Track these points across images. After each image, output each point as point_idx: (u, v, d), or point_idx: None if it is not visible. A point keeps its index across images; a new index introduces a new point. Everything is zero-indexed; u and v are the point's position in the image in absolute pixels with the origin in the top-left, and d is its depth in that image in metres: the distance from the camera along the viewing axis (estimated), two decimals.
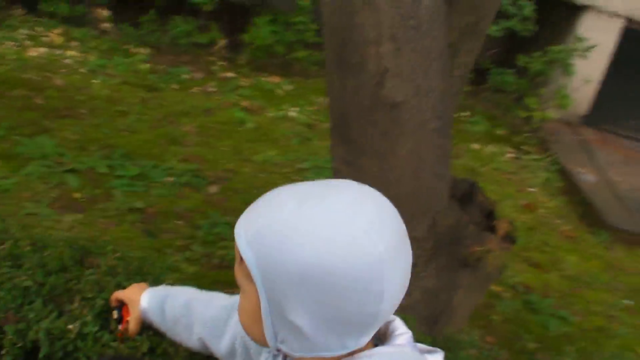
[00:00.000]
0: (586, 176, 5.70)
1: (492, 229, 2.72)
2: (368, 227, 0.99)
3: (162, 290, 1.65)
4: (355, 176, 2.44)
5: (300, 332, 1.01)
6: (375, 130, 2.42)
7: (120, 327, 1.64)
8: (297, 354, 1.06)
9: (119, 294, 1.68)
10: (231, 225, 3.48)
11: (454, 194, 2.74)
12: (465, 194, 2.79)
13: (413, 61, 2.33)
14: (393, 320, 1.14)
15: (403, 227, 1.08)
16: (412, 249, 2.63)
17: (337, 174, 2.57)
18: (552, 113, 6.25)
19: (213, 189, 4.23)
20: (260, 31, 6.21)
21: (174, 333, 1.60)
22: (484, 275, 2.76)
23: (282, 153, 4.88)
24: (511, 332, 3.60)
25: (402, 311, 1.11)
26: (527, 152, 6.03)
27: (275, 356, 1.24)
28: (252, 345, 1.37)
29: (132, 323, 1.63)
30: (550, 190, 5.56)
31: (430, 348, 1.15)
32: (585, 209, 5.17)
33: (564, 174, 5.66)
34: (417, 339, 1.15)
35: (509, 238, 2.73)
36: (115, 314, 1.65)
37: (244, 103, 5.64)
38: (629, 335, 3.89)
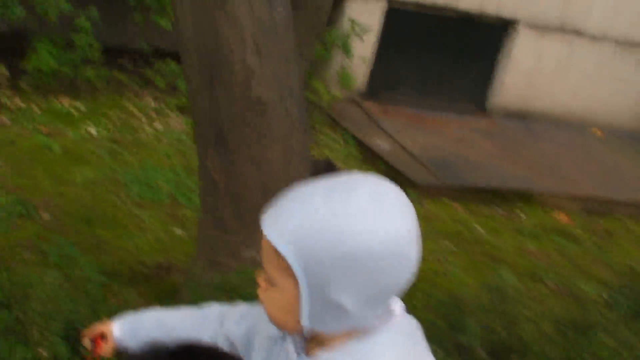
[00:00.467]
0: (381, 145, 6.32)
1: None
2: (396, 211, 1.14)
3: (128, 316, 1.78)
4: (235, 181, 2.68)
5: (344, 310, 1.13)
6: (250, 135, 2.65)
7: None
8: (333, 330, 1.19)
9: (90, 331, 1.79)
10: (78, 246, 3.58)
11: (315, 173, 3.06)
12: (325, 171, 3.12)
13: (276, 65, 2.60)
14: None
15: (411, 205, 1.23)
16: None
17: (212, 183, 2.76)
18: (338, 93, 6.78)
19: (45, 215, 4.20)
20: (43, 55, 6.09)
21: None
22: None
23: (98, 170, 4.92)
24: None
25: None
26: (323, 132, 6.50)
27: (297, 341, 1.34)
28: (265, 334, 1.44)
29: (108, 351, 1.75)
30: (354, 163, 6.09)
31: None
32: (390, 174, 5.76)
33: (362, 146, 6.22)
34: None
35: None
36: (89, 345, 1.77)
37: (44, 129, 5.54)
38: (459, 273, 4.50)
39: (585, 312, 2.62)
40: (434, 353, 1.29)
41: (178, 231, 4.18)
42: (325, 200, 1.11)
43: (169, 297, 3.20)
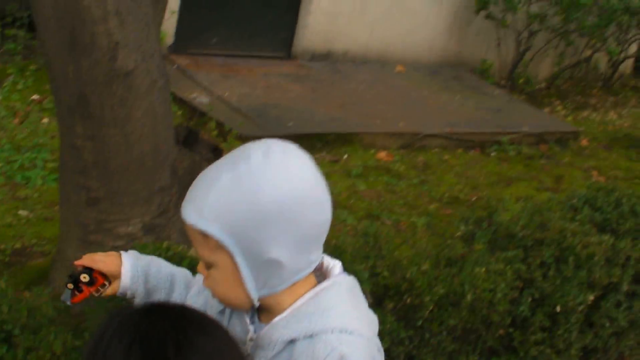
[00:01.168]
0: (199, 98, 6.17)
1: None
2: (292, 162, 1.23)
3: (143, 261, 1.57)
4: (100, 146, 2.53)
5: (280, 264, 1.22)
6: (113, 101, 2.52)
7: (91, 289, 1.47)
8: (278, 289, 1.26)
9: (94, 263, 1.52)
10: None
11: (177, 140, 2.94)
12: (187, 138, 3.01)
13: (137, 30, 2.48)
14: (324, 259, 1.38)
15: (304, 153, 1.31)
16: (161, 198, 2.80)
17: (77, 150, 2.59)
18: None
19: None
20: None
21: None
22: None
23: None
24: None
25: None
26: None
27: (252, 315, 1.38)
28: (216, 310, 1.42)
29: (107, 293, 1.52)
30: (177, 119, 5.91)
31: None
32: (214, 129, 5.65)
33: (181, 102, 6.04)
34: None
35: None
36: (70, 285, 1.49)
37: None
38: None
39: (453, 248, 2.74)
40: None
41: (24, 213, 3.89)
42: (230, 173, 1.21)
43: (37, 282, 2.96)
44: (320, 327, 1.24)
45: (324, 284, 1.30)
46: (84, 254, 2.72)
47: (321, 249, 1.31)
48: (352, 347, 1.23)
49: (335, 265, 1.35)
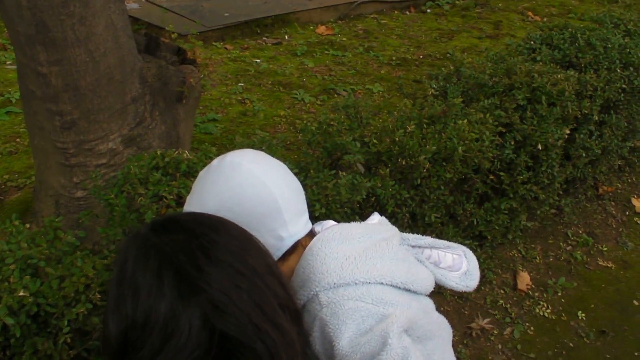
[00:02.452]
0: (130, 5, 5.94)
1: (184, 61, 2.95)
2: (252, 164, 1.35)
3: None
4: (67, 69, 2.46)
5: (281, 238, 1.36)
6: (73, 20, 2.41)
7: None
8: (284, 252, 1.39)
9: None
10: None
11: (139, 50, 2.86)
12: (148, 45, 2.93)
13: None
14: (315, 227, 1.49)
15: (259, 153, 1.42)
16: (135, 109, 2.75)
17: (43, 77, 2.51)
18: None
19: None
20: None
21: None
22: (193, 101, 3.02)
23: None
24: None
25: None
26: None
27: None
28: None
29: None
30: None
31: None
32: (152, 31, 5.47)
33: None
34: None
35: (193, 61, 3.01)
36: None
37: None
38: (266, 108, 4.54)
39: (431, 108, 2.78)
40: None
41: None
42: (215, 180, 1.34)
43: (22, 217, 2.93)
44: (314, 290, 1.32)
45: (305, 251, 1.39)
46: (68, 179, 2.72)
47: (294, 227, 1.38)
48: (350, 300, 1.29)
49: (327, 221, 1.50)
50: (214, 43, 5.65)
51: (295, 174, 1.74)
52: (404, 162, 2.54)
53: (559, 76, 3.09)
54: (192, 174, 2.32)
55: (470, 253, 1.66)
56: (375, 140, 2.61)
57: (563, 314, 3.30)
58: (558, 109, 2.98)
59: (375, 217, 1.57)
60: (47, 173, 2.80)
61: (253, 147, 2.48)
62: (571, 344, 3.14)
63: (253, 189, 1.31)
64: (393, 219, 2.59)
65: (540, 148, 2.94)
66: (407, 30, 6.50)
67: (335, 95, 4.83)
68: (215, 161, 1.36)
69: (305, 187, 2.28)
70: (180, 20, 5.74)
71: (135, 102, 2.74)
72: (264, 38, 5.93)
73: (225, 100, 4.60)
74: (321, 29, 6.26)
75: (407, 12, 7.06)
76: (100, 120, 2.63)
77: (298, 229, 1.38)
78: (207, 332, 1.00)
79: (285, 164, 1.45)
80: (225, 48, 5.61)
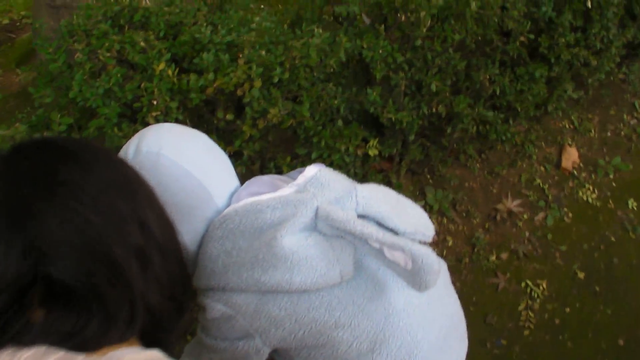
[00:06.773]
0: None
1: None
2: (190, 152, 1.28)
3: None
4: None
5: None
6: None
7: None
8: None
9: None
10: None
11: None
12: None
13: None
14: None
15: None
16: None
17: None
18: None
19: None
20: None
21: None
22: None
23: None
24: None
25: None
26: None
27: None
28: None
29: None
30: None
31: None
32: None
33: None
34: None
35: None
36: None
37: None
38: None
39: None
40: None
41: None
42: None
43: (25, 61, 2.84)
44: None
45: None
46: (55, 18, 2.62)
47: (221, 203, 1.31)
48: None
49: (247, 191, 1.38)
50: None
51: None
52: (403, 18, 2.15)
53: None
54: (149, 25, 2.06)
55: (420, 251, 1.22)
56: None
57: (610, 201, 2.90)
58: None
59: (311, 170, 1.31)
60: (39, 13, 2.74)
61: None
62: (613, 238, 2.77)
63: (177, 182, 1.24)
64: (388, 85, 2.24)
65: (589, 6, 2.44)
66: None
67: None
68: (131, 150, 1.24)
69: (271, 49, 1.97)
70: None
71: None
72: None
73: None
74: None
75: None
76: None
77: (228, 202, 1.32)
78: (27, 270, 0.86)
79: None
80: None
